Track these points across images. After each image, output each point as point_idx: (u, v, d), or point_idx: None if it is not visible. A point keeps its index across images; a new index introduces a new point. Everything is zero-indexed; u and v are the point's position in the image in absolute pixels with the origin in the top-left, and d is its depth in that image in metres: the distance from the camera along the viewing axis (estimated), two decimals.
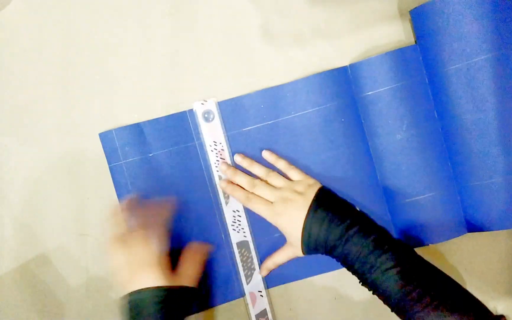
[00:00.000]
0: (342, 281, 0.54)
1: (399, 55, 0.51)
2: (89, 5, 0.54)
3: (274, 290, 0.54)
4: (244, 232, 0.53)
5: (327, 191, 0.51)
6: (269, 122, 0.52)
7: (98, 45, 0.54)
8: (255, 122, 0.53)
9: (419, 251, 0.47)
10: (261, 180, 0.52)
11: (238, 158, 0.52)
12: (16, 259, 0.54)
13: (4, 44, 0.54)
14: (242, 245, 0.53)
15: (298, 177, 0.51)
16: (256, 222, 0.53)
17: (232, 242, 0.53)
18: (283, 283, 0.54)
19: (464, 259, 0.54)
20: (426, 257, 0.46)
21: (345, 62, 0.54)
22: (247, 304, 0.53)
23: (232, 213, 0.53)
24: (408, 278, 0.44)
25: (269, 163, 0.53)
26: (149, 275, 0.46)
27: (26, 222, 0.54)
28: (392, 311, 0.45)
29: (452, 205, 0.51)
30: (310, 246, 0.48)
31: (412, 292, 0.43)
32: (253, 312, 0.53)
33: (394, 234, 0.52)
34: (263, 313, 0.53)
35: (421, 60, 0.51)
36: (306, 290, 0.54)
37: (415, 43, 0.52)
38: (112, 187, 0.53)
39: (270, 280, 0.54)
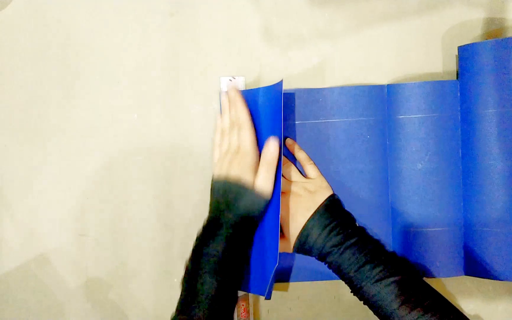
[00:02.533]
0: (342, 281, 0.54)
1: (438, 87, 0.51)
2: (89, 5, 0.54)
3: (275, 289, 0.54)
4: None
5: (337, 200, 0.51)
6: (301, 122, 0.53)
7: (98, 45, 0.54)
8: (290, 119, 0.53)
9: None
10: None
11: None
12: (16, 259, 0.54)
13: (4, 44, 0.54)
14: None
15: (313, 175, 0.51)
16: None
17: None
18: (286, 281, 0.54)
19: None
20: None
21: (345, 62, 0.54)
22: None
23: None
24: (401, 290, 0.44)
25: (289, 151, 0.53)
26: (245, 172, 0.46)
27: (26, 222, 0.54)
28: None
29: (455, 244, 0.51)
30: (304, 246, 0.48)
31: (404, 303, 0.43)
32: None
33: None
34: (245, 296, 0.53)
35: (458, 97, 0.51)
36: (306, 290, 0.54)
37: (456, 78, 0.53)
38: (111, 187, 0.53)
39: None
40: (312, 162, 0.52)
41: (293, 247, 0.49)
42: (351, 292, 0.47)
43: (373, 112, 0.52)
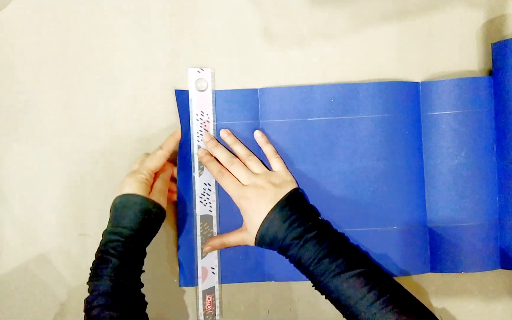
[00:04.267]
0: None
1: (472, 83, 0.52)
2: (89, 5, 0.54)
3: (275, 289, 0.54)
4: (210, 207, 0.53)
5: (300, 193, 0.51)
6: (335, 118, 0.53)
7: (98, 45, 0.54)
8: (319, 115, 0.53)
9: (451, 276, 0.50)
10: (240, 160, 0.52)
11: (224, 134, 0.52)
12: (16, 259, 0.54)
13: (4, 44, 0.54)
14: (206, 219, 0.53)
15: (278, 168, 0.52)
16: (225, 202, 0.53)
17: (197, 213, 0.53)
18: (284, 281, 0.54)
19: None
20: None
21: (346, 63, 0.54)
22: (197, 277, 0.53)
23: (203, 185, 0.53)
24: (362, 283, 0.44)
25: (257, 144, 0.53)
26: (132, 185, 0.47)
27: (26, 222, 0.54)
28: (344, 316, 0.45)
29: (491, 238, 0.52)
30: (265, 239, 0.48)
31: (366, 295, 0.43)
32: (201, 287, 0.53)
33: (428, 254, 0.53)
34: (211, 290, 0.53)
35: (492, 93, 0.52)
36: (306, 290, 0.54)
37: (489, 75, 0.53)
38: (111, 187, 0.53)
39: (274, 275, 0.53)
40: (278, 155, 0.52)
41: (255, 239, 0.49)
42: (312, 286, 0.47)
43: (408, 109, 0.52)
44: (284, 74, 0.54)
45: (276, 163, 0.52)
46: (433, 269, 0.53)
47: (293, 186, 0.50)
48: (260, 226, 0.48)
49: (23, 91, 0.54)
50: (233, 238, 0.51)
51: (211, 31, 0.54)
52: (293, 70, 0.54)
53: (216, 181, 0.53)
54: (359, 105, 0.52)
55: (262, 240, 0.48)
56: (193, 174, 0.53)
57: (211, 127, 0.53)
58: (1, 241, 0.54)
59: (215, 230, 0.53)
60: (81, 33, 0.54)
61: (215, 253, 0.53)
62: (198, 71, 0.53)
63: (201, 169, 0.53)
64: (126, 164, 0.53)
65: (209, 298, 0.53)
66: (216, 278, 0.53)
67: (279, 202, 0.48)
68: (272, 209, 0.48)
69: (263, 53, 0.54)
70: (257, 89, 0.53)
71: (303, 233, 0.47)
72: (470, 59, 0.54)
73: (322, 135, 0.53)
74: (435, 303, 0.54)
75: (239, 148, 0.52)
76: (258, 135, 0.52)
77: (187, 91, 0.53)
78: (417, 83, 0.53)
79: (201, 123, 0.53)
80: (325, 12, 0.54)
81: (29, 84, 0.54)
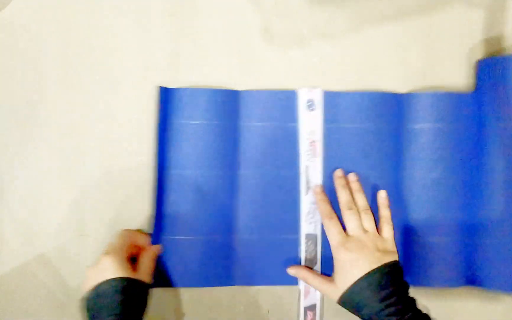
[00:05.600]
0: None
1: (455, 99, 0.52)
2: (90, 5, 0.54)
3: (275, 289, 0.54)
4: (315, 226, 0.53)
5: (400, 267, 0.48)
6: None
7: (98, 45, 0.54)
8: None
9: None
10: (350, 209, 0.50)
11: (339, 173, 0.52)
12: (16, 259, 0.54)
13: (4, 44, 0.54)
14: (310, 237, 0.53)
15: (387, 235, 0.49)
16: None
17: (302, 232, 0.53)
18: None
19: None
20: None
21: (346, 63, 0.54)
22: (300, 293, 0.53)
23: (310, 204, 0.53)
24: None
25: (378, 202, 0.51)
26: (109, 266, 0.46)
27: (26, 222, 0.54)
28: None
29: (459, 255, 0.52)
30: (354, 299, 0.46)
31: None
32: (303, 303, 0.53)
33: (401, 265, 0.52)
34: (312, 307, 0.53)
35: (474, 110, 0.52)
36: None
37: (473, 90, 0.53)
38: (111, 187, 0.53)
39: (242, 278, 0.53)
40: (391, 222, 0.50)
41: (341, 297, 0.47)
42: None
43: (387, 120, 0.52)
44: (284, 74, 0.54)
45: (387, 230, 0.49)
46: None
47: (396, 257, 0.47)
48: (353, 284, 0.46)
49: (23, 91, 0.54)
50: (317, 283, 0.50)
51: (211, 31, 0.54)
52: (293, 70, 0.54)
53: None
54: (341, 114, 0.52)
55: (350, 299, 0.46)
56: (299, 192, 0.53)
57: (318, 147, 0.53)
58: (1, 241, 0.54)
59: (318, 248, 0.53)
60: (81, 33, 0.54)
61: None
62: (309, 90, 0.53)
63: (308, 188, 0.53)
64: (126, 164, 0.53)
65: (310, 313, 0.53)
66: (318, 295, 0.54)
67: (379, 267, 0.45)
68: (370, 272, 0.45)
69: (263, 53, 0.54)
70: (238, 91, 0.53)
71: (398, 315, 0.43)
72: (470, 60, 0.54)
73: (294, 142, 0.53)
74: (435, 303, 0.54)
75: (360, 199, 0.51)
76: (383, 195, 0.51)
77: (174, 89, 0.52)
78: (401, 94, 0.53)
79: (309, 143, 0.53)
80: (325, 12, 0.54)
81: (29, 85, 0.54)
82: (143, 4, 0.54)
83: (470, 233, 0.52)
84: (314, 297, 0.54)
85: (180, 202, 0.52)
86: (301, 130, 0.53)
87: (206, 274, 0.52)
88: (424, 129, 0.52)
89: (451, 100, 0.52)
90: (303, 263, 0.53)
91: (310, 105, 0.53)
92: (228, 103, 0.53)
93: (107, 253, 0.47)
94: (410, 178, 0.52)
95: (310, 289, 0.53)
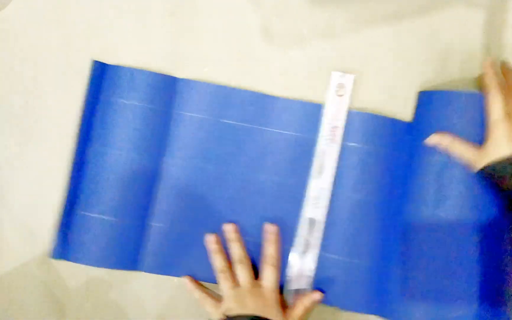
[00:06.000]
0: None
1: (390, 124, 0.51)
2: (89, 4, 0.54)
3: None
4: (320, 211, 0.51)
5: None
6: (247, 125, 0.52)
7: (98, 45, 0.54)
8: (232, 119, 0.52)
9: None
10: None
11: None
12: (16, 259, 0.54)
13: (4, 44, 0.54)
14: (312, 222, 0.51)
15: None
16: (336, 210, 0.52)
17: (304, 216, 0.51)
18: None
19: None
20: None
21: (346, 63, 0.54)
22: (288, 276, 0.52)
23: (319, 188, 0.51)
24: None
25: None
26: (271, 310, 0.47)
27: (26, 222, 0.54)
28: None
29: (373, 281, 0.51)
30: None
31: None
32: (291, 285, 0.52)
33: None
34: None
35: (409, 139, 0.51)
36: None
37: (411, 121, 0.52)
38: None
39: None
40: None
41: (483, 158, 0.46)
42: None
43: (306, 130, 0.52)
44: (284, 74, 0.54)
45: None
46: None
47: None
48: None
49: (23, 91, 0.54)
50: (465, 148, 0.47)
51: (211, 31, 0.54)
52: (293, 70, 0.54)
53: (331, 189, 0.51)
54: (272, 118, 0.52)
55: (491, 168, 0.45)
56: (312, 175, 0.51)
57: (339, 133, 0.52)
58: (1, 241, 0.54)
59: (319, 234, 0.51)
60: (81, 33, 0.54)
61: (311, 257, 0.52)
62: (340, 76, 0.52)
63: (320, 173, 0.51)
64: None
65: None
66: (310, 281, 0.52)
67: None
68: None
69: (263, 53, 0.54)
70: (177, 78, 0.53)
71: None
72: (470, 60, 0.54)
73: (232, 139, 0.52)
74: None
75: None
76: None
77: (110, 65, 0.52)
78: (319, 105, 0.52)
79: (331, 128, 0.52)
80: (325, 12, 0.54)
81: (29, 84, 0.54)
82: (143, 4, 0.54)
83: (386, 260, 0.50)
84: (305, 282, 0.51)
85: (99, 179, 0.51)
86: (326, 113, 0.52)
87: (113, 255, 0.51)
88: (356, 148, 0.51)
89: (385, 125, 0.51)
90: (298, 250, 0.51)
91: (338, 90, 0.52)
92: (165, 89, 0.52)
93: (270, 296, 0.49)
94: (335, 194, 0.51)
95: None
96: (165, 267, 0.53)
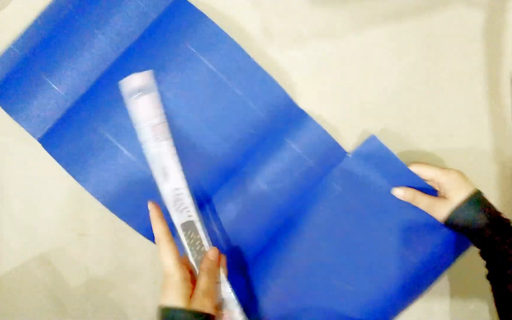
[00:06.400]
0: None
1: (331, 146, 0.52)
2: None
3: None
4: (188, 211, 0.46)
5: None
6: None
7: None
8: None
9: None
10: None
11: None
12: (16, 259, 0.54)
13: (4, 44, 0.54)
14: (188, 226, 0.47)
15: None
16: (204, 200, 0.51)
17: (176, 224, 0.46)
18: None
19: None
20: None
21: (346, 63, 0.54)
22: None
23: (173, 191, 0.46)
24: None
25: None
26: (173, 294, 0.43)
27: (26, 222, 0.54)
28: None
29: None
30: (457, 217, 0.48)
31: None
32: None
33: None
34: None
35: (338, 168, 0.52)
36: None
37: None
38: None
39: None
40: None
41: (447, 215, 0.49)
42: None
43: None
44: (284, 74, 0.54)
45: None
46: None
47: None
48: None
49: None
50: (428, 201, 0.50)
51: None
52: (293, 70, 0.54)
53: (186, 184, 0.47)
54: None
55: (454, 218, 0.48)
56: (158, 182, 0.47)
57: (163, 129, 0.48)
58: (1, 241, 0.54)
59: (202, 234, 0.47)
60: None
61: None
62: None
63: (165, 174, 0.46)
64: None
65: None
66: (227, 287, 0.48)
67: None
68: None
69: (263, 53, 0.54)
70: None
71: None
72: (470, 60, 0.54)
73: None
74: (435, 303, 0.54)
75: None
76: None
77: None
78: (299, 108, 0.52)
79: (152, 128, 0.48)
80: (325, 12, 0.54)
81: None
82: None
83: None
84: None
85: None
86: (134, 120, 0.47)
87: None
88: (295, 151, 0.51)
89: (327, 144, 0.51)
90: (190, 257, 0.46)
91: (136, 92, 0.47)
92: None
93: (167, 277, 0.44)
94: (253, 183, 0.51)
95: None
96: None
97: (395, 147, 0.54)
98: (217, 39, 0.50)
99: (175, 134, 0.48)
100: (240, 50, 0.51)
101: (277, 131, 0.52)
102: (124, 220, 0.50)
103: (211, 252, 0.46)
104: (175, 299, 0.42)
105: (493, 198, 0.54)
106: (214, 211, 0.52)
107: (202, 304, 0.43)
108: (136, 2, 0.51)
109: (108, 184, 0.50)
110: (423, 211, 0.50)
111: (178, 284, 0.43)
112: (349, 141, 0.54)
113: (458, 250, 0.51)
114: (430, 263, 0.50)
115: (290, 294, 0.51)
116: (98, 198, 0.50)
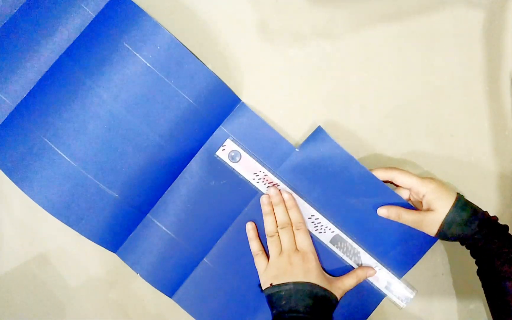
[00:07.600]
0: None
1: (280, 143, 0.52)
2: None
3: None
4: (330, 229, 0.52)
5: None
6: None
7: None
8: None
9: None
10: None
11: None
12: (16, 259, 0.54)
13: None
14: (335, 240, 0.52)
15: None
16: (337, 215, 0.52)
17: (325, 243, 0.52)
18: None
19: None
20: None
21: (346, 63, 0.54)
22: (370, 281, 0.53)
23: (309, 219, 0.52)
24: None
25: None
26: (309, 272, 0.48)
27: (26, 222, 0.54)
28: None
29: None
30: (452, 224, 0.47)
31: None
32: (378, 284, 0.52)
33: None
34: (388, 285, 0.52)
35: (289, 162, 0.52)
36: None
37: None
38: None
39: None
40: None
41: (440, 227, 0.48)
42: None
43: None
44: (284, 74, 0.54)
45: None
46: None
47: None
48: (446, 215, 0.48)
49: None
50: (413, 217, 0.49)
51: (211, 30, 0.54)
52: (293, 70, 0.54)
53: (317, 209, 0.52)
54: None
55: (449, 226, 0.47)
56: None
57: (271, 177, 0.52)
58: (1, 241, 0.54)
59: (349, 240, 0.52)
60: None
61: (367, 256, 0.52)
62: (223, 149, 0.52)
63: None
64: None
65: None
66: (384, 271, 0.53)
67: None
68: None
69: (263, 53, 0.54)
70: None
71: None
72: (470, 60, 0.54)
73: None
74: (435, 303, 0.54)
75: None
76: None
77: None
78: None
79: (263, 181, 0.52)
80: (325, 12, 0.54)
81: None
82: (143, 3, 0.54)
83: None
84: (384, 275, 0.52)
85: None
86: (248, 178, 0.52)
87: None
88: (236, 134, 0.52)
89: (276, 140, 0.52)
90: (348, 261, 0.52)
91: (233, 156, 0.52)
92: None
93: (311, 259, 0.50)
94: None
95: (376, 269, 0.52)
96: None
97: (395, 147, 0.54)
98: (154, 34, 0.49)
99: (117, 137, 0.49)
100: (178, 44, 0.49)
101: (216, 123, 0.52)
102: (70, 226, 0.49)
103: (371, 272, 0.52)
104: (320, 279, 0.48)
105: (493, 198, 0.54)
106: (166, 205, 0.52)
107: (339, 293, 0.49)
108: (77, 2, 0.50)
109: (50, 190, 0.49)
110: (372, 200, 0.51)
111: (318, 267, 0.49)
112: (347, 141, 0.54)
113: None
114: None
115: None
116: (41, 205, 0.48)
